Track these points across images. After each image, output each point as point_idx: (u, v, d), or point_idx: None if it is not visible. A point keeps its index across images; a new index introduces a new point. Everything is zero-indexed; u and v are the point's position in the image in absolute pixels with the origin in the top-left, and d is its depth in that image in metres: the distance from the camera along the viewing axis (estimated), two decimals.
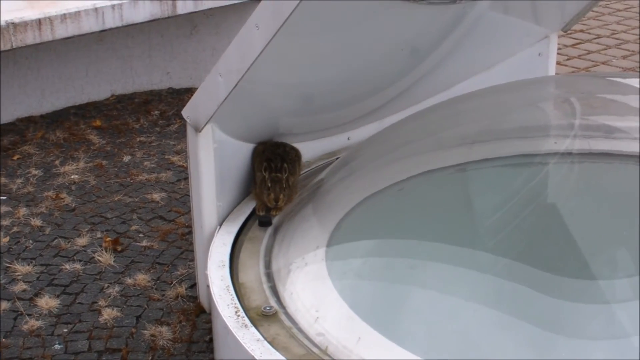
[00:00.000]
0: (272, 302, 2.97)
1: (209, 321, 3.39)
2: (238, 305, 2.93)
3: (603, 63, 6.48)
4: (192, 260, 3.76)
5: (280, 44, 2.91)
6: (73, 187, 4.49)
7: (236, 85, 3.05)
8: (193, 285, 3.64)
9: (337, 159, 3.95)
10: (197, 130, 3.25)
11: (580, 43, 6.93)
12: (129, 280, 3.69)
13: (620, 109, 4.00)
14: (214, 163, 3.35)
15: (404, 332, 2.87)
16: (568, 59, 6.57)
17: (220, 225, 3.41)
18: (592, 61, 6.54)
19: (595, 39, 7.04)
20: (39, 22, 4.88)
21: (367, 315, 2.83)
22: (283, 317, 2.90)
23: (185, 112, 3.29)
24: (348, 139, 4.10)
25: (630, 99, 3.92)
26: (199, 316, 3.47)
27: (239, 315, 2.87)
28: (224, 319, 2.86)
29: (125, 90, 5.73)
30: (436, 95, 4.27)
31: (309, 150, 3.90)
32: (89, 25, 5.04)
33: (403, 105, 4.19)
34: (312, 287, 3.04)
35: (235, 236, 3.36)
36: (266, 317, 2.89)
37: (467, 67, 4.24)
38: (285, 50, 3.05)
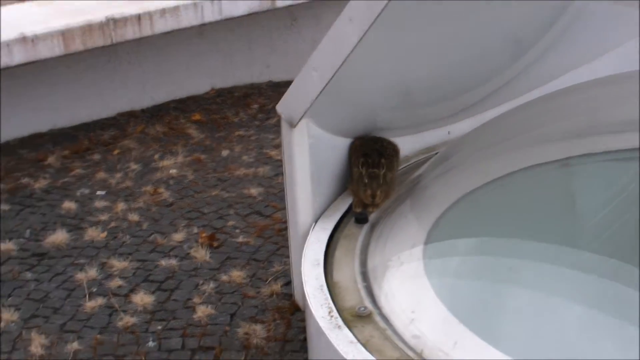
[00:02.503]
0: (367, 303, 2.89)
1: (304, 320, 3.33)
2: (332, 305, 2.86)
3: None
4: (288, 257, 3.71)
5: (375, 37, 2.84)
6: (171, 182, 4.48)
7: (330, 80, 2.98)
8: (288, 283, 3.58)
9: (436, 153, 3.86)
10: (292, 125, 3.19)
11: None
12: (224, 277, 3.65)
13: None
14: (309, 158, 3.28)
15: (503, 336, 2.76)
16: None
17: (316, 222, 3.34)
18: None
19: None
20: (139, 17, 4.89)
21: (465, 317, 2.73)
22: (378, 318, 2.81)
23: (280, 107, 3.23)
24: (448, 133, 3.99)
25: None
26: (293, 314, 3.42)
27: (332, 316, 2.80)
28: (317, 319, 2.79)
29: (225, 84, 5.71)
30: (540, 88, 4.13)
31: (407, 144, 3.81)
32: (188, 20, 5.03)
33: (505, 98, 4.06)
34: (408, 287, 2.94)
35: (330, 233, 3.29)
36: (360, 318, 2.81)
37: (572, 58, 4.09)
38: (381, 44, 2.97)
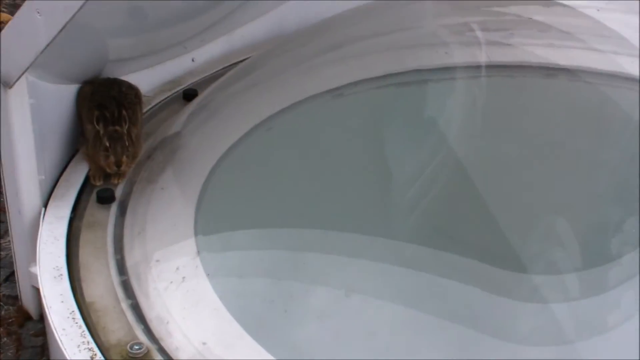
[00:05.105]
0: (139, 333, 2.12)
1: (39, 333, 2.52)
2: (93, 345, 2.07)
3: None
4: (3, 237, 2.86)
5: None
6: None
7: (65, 26, 2.14)
8: (9, 277, 2.72)
9: (185, 89, 3.10)
10: (8, 86, 2.30)
11: None
12: None
13: None
14: (31, 125, 2.42)
15: None
16: None
17: (46, 206, 2.50)
18: None
19: None
20: None
21: (280, 350, 2.05)
22: (159, 357, 2.06)
23: None
24: (192, 60, 3.25)
25: None
26: (23, 326, 2.57)
27: None
28: None
29: None
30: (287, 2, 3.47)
31: (147, 81, 3.05)
32: None
33: (255, 13, 3.39)
34: (189, 300, 2.20)
35: (68, 221, 2.47)
36: None
37: None
38: None
